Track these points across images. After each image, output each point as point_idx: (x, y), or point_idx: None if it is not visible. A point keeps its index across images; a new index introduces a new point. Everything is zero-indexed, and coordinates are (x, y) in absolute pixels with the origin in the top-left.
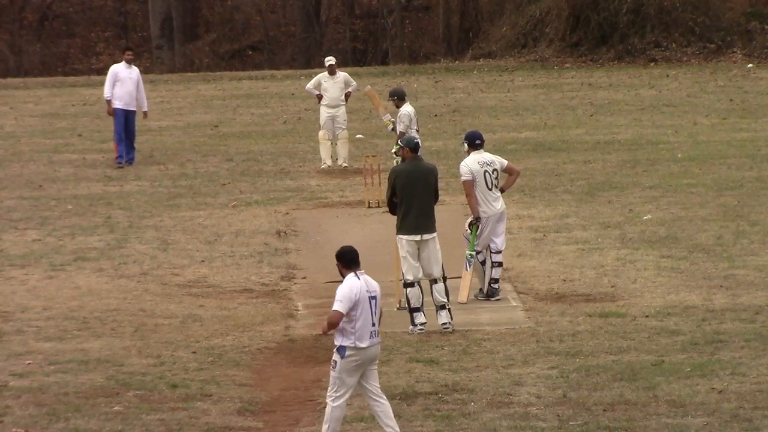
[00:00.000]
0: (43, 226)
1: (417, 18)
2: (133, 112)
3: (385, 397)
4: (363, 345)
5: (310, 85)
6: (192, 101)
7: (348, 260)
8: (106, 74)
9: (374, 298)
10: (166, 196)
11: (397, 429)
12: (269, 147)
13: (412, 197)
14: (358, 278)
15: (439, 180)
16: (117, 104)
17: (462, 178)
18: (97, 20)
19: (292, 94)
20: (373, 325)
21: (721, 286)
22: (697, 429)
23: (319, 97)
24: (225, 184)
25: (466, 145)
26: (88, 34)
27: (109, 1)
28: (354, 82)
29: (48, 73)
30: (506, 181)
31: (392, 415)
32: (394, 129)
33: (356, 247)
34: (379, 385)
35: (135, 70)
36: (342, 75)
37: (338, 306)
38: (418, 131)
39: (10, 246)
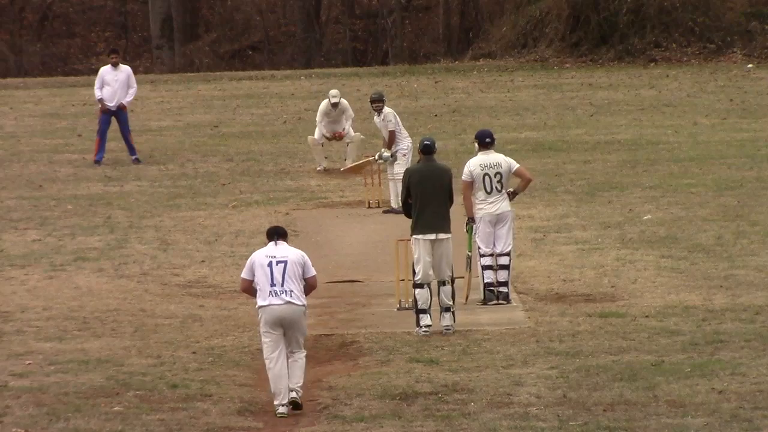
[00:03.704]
0: (43, 226)
1: (417, 18)
2: (122, 112)
3: (300, 354)
4: (262, 303)
5: (318, 119)
6: (192, 101)
7: (269, 234)
8: None
9: (282, 262)
10: (166, 196)
11: (296, 385)
12: (269, 147)
13: (426, 196)
14: (271, 245)
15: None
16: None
17: (461, 178)
18: (97, 20)
19: (292, 94)
20: (273, 285)
21: (721, 286)
22: (697, 429)
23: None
24: (225, 184)
25: (476, 144)
26: (88, 34)
27: (109, 1)
28: (352, 115)
29: (48, 73)
30: (518, 185)
31: (300, 369)
32: (394, 155)
33: (356, 248)
34: (295, 349)
35: (123, 71)
36: (344, 104)
37: (242, 273)
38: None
39: (10, 246)
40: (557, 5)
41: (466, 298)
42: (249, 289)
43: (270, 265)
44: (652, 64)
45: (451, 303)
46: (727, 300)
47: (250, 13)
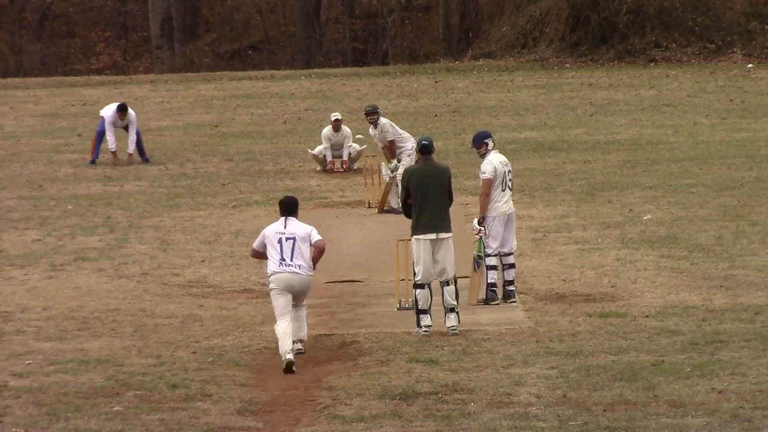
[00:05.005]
0: (43, 226)
1: (417, 18)
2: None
3: (302, 307)
4: (273, 270)
5: (320, 147)
6: (192, 101)
7: (282, 208)
8: (105, 74)
9: (290, 239)
10: (166, 196)
11: (301, 334)
12: (269, 147)
13: (426, 196)
14: (281, 222)
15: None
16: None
17: (485, 175)
18: (97, 20)
19: (292, 94)
20: (282, 259)
21: (721, 286)
22: (697, 429)
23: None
24: (225, 184)
25: (490, 143)
26: (88, 34)
27: (109, 1)
28: (351, 145)
29: (48, 73)
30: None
31: (303, 320)
32: (399, 160)
33: (356, 248)
34: (300, 305)
35: (129, 117)
36: (347, 131)
37: (254, 244)
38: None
39: (10, 246)
40: (557, 5)
41: (476, 299)
42: (257, 255)
43: (280, 241)
44: (652, 64)
45: (455, 303)
46: (727, 300)
47: (250, 13)
